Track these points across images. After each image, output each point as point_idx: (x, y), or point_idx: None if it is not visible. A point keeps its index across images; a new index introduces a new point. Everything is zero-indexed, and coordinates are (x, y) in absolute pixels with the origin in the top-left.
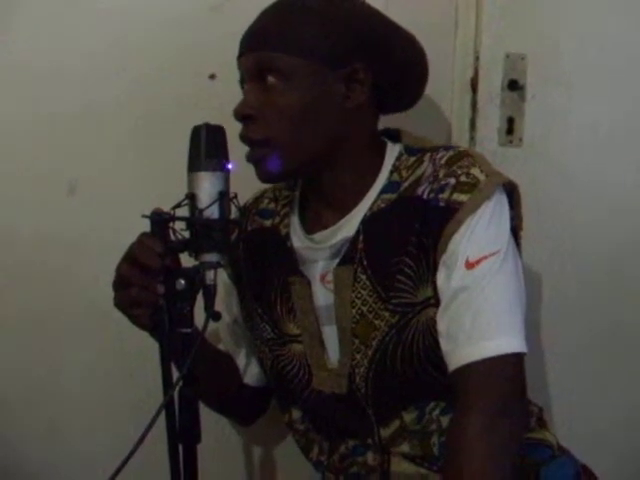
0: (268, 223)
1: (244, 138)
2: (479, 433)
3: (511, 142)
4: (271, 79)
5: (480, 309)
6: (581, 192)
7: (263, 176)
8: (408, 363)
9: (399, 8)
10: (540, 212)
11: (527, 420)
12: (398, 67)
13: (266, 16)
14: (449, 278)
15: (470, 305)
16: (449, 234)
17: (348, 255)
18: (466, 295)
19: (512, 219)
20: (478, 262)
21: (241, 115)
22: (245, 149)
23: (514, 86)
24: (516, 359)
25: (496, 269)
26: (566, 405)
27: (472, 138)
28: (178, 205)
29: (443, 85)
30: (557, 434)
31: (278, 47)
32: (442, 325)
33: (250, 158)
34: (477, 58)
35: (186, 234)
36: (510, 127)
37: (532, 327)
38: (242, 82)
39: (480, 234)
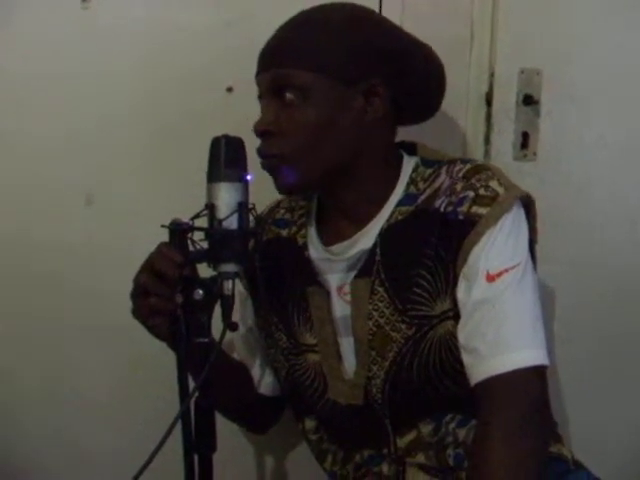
0: (284, 233)
1: (262, 153)
2: (501, 446)
3: (525, 156)
4: (289, 95)
5: (502, 322)
6: (595, 206)
7: (282, 189)
8: (424, 375)
9: (414, 24)
10: (554, 226)
11: (549, 432)
12: (416, 81)
13: (283, 32)
14: (469, 291)
15: (492, 318)
16: (469, 247)
17: (365, 267)
18: (487, 308)
19: (529, 232)
20: (499, 275)
21: (260, 132)
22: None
23: (529, 101)
24: (539, 372)
25: (516, 282)
26: (582, 419)
27: (487, 152)
28: (197, 215)
29: (458, 99)
30: (572, 448)
31: (295, 64)
32: (463, 338)
33: (267, 167)
34: (492, 73)
35: (204, 244)
36: (524, 141)
37: (547, 341)
38: (261, 98)
39: (500, 247)
